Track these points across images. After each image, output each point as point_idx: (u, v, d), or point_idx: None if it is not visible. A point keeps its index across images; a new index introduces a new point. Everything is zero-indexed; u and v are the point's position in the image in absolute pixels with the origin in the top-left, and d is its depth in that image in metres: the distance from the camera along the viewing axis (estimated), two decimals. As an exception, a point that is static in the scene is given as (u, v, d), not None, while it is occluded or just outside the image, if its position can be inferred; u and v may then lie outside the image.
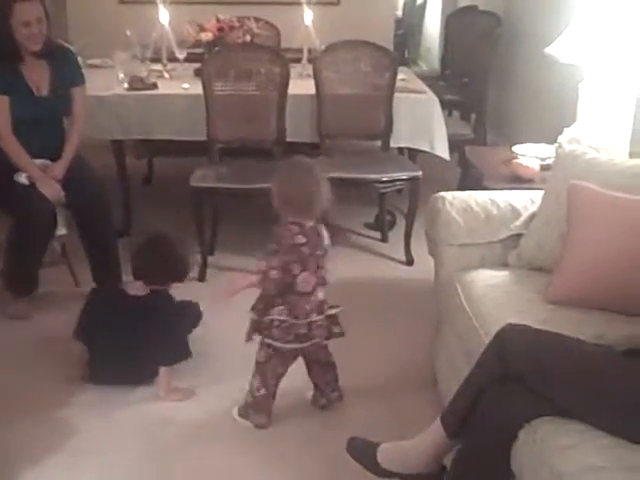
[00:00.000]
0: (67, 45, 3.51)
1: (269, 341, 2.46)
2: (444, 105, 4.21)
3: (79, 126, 3.40)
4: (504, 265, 2.58)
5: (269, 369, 2.51)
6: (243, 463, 2.40)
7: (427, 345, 2.91)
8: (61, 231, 3.28)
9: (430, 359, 2.85)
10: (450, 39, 5.68)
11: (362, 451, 2.20)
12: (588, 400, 1.79)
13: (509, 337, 1.96)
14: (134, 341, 2.67)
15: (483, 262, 2.59)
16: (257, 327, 2.46)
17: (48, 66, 3.27)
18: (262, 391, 2.52)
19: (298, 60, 4.28)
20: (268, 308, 2.43)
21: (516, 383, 1.88)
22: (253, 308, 2.47)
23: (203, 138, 3.79)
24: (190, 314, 2.87)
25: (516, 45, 4.95)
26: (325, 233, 2.46)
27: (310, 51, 4.33)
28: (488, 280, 2.46)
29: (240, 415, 2.58)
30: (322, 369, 2.61)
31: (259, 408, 2.55)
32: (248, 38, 4.17)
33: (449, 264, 2.64)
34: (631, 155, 2.85)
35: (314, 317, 2.43)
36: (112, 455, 2.43)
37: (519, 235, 2.57)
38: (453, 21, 5.70)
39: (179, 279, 2.85)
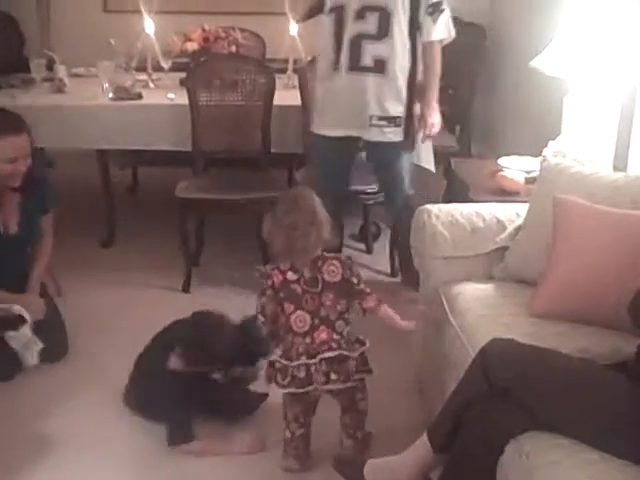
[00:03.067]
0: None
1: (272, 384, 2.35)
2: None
3: (48, 247, 3.16)
4: (490, 278, 2.58)
5: (287, 411, 2.39)
6: None
7: (413, 358, 2.90)
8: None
9: (416, 372, 2.84)
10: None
11: (349, 467, 2.20)
12: (573, 414, 1.79)
13: (494, 352, 1.96)
14: None
15: (469, 275, 2.59)
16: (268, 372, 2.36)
17: (19, 197, 3.00)
18: (287, 433, 2.41)
19: (283, 71, 4.27)
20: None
21: (502, 398, 1.88)
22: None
23: (188, 148, 3.77)
24: None
25: (501, 57, 4.97)
26: (334, 268, 2.34)
27: (296, 62, 4.32)
28: (474, 293, 2.46)
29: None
30: (344, 411, 2.44)
31: (286, 451, 2.42)
32: (233, 48, 4.19)
33: (435, 277, 2.64)
34: (615, 168, 2.86)
35: (303, 360, 2.26)
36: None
37: (504, 248, 2.57)
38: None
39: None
